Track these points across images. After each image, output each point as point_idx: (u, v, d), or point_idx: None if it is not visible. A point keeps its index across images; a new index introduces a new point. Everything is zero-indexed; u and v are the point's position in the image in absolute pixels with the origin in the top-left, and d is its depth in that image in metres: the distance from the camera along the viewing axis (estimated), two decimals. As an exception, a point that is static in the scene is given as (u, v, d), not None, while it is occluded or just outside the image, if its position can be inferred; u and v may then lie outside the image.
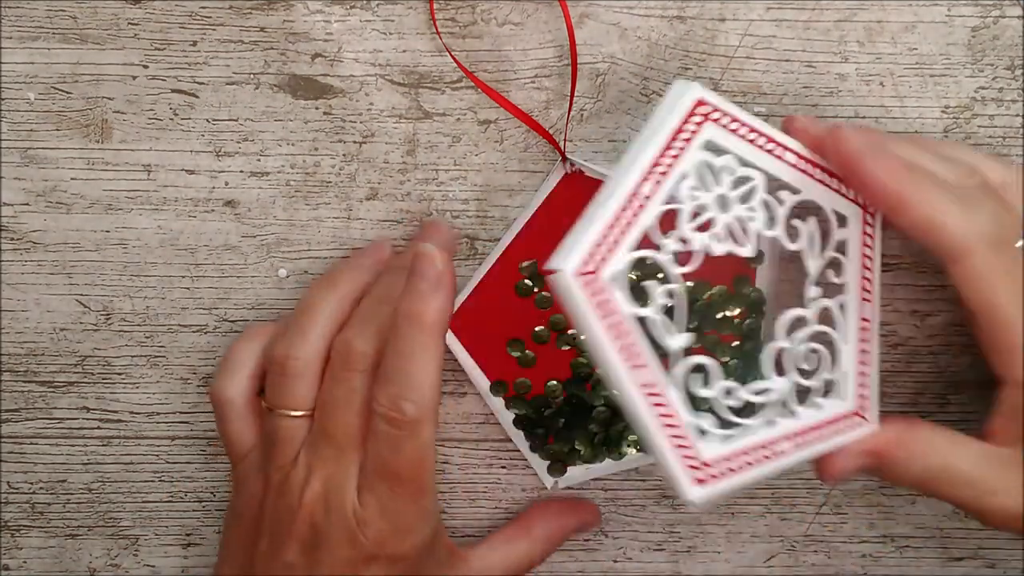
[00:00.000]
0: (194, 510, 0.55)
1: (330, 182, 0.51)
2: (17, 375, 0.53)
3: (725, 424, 0.43)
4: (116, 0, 0.50)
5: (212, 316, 0.53)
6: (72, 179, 0.51)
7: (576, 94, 0.50)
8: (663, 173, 0.42)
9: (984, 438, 0.46)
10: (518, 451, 0.54)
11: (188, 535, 0.55)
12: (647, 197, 0.41)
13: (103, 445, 0.54)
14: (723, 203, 0.43)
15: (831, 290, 0.45)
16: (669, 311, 0.42)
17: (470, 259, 0.52)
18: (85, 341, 0.53)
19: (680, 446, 0.41)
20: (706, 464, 0.42)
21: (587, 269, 0.40)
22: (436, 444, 0.54)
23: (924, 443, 0.46)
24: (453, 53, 0.50)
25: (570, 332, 0.51)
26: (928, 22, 0.50)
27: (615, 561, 0.55)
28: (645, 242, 0.41)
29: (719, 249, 0.42)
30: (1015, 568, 0.55)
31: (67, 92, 0.51)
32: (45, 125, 0.51)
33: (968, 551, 0.55)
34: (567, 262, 0.39)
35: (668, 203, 0.42)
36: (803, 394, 0.45)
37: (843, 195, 0.45)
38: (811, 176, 0.45)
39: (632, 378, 0.40)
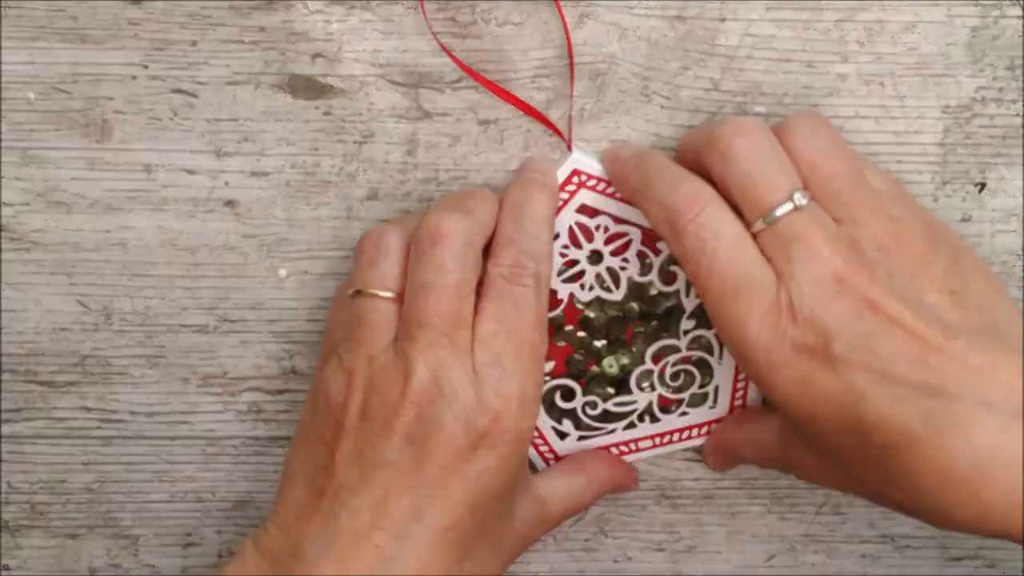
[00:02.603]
0: (194, 510, 0.56)
1: (330, 182, 0.53)
2: (17, 375, 0.54)
3: (591, 426, 0.54)
4: (116, 0, 0.51)
5: (212, 316, 0.54)
6: (72, 179, 0.53)
7: (575, 94, 0.52)
8: None
9: None
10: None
11: (188, 535, 0.56)
12: None
13: (103, 445, 0.55)
14: (595, 257, 0.52)
15: (706, 321, 0.52)
16: None
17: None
18: (85, 341, 0.54)
19: (536, 443, 0.53)
20: (559, 456, 0.54)
21: None
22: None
23: (746, 431, 0.52)
24: (452, 52, 0.51)
25: (567, 328, 0.52)
26: (928, 22, 0.51)
27: (615, 561, 0.57)
28: None
29: (585, 296, 0.52)
30: (1015, 568, 0.56)
31: (67, 92, 0.52)
32: (45, 125, 0.52)
33: (968, 551, 0.56)
34: None
35: None
36: (677, 403, 0.54)
37: None
38: None
39: None
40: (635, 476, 0.55)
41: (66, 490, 0.56)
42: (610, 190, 0.51)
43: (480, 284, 0.48)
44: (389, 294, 0.48)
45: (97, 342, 0.54)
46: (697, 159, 0.48)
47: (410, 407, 0.45)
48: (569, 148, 0.52)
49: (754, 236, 0.46)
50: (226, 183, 0.53)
